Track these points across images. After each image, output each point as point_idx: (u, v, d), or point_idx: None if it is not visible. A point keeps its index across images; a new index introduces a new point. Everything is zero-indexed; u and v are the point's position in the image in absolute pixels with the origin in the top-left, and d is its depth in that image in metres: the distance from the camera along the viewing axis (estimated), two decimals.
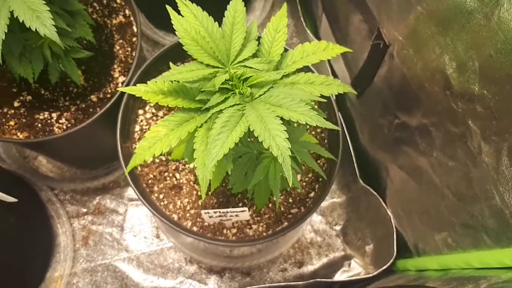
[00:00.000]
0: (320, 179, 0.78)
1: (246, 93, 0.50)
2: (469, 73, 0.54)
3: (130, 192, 1.04)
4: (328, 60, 1.00)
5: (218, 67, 0.52)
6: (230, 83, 0.50)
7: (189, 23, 0.51)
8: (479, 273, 0.54)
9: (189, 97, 0.53)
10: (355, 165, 0.91)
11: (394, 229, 0.85)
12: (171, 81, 0.52)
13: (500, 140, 0.51)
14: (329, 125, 0.47)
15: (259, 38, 0.55)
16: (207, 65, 0.51)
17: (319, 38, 1.03)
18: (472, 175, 0.58)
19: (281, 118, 0.47)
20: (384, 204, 0.88)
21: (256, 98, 0.50)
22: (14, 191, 0.83)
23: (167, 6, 0.51)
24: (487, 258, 0.56)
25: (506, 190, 0.52)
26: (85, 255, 0.99)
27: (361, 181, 0.91)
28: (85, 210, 1.02)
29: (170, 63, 0.56)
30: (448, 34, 0.56)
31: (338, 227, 1.02)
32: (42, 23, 0.57)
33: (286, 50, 0.57)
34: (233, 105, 0.50)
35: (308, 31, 1.01)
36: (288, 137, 0.45)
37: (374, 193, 0.89)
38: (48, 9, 0.57)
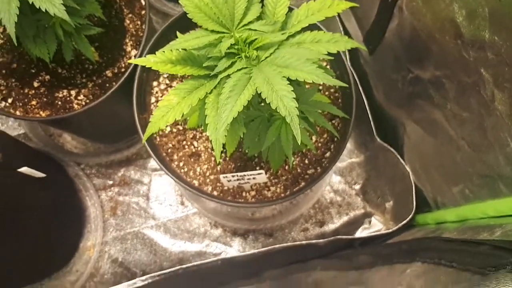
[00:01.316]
0: (336, 139, 0.79)
1: (252, 56, 0.50)
2: (479, 19, 0.52)
3: (153, 162, 1.07)
4: (340, 19, 0.98)
5: (223, 32, 0.52)
6: (236, 47, 0.51)
7: None
8: (494, 222, 0.55)
9: (197, 65, 0.54)
10: (372, 123, 0.91)
11: (413, 185, 0.85)
12: (179, 50, 0.53)
13: None
14: (336, 82, 0.48)
15: (262, 0, 0.55)
16: (212, 31, 0.52)
17: None
18: (486, 124, 0.58)
19: (288, 79, 0.48)
20: (402, 161, 0.88)
21: (262, 61, 0.51)
22: (43, 168, 0.88)
23: None
24: (502, 206, 0.56)
25: None
26: (115, 225, 1.05)
27: (378, 139, 0.91)
28: (111, 182, 1.06)
29: (177, 32, 0.57)
30: None
31: (357, 186, 1.03)
32: (51, 3, 0.58)
33: (291, 9, 0.57)
34: (240, 69, 0.51)
35: None
36: (295, 96, 0.46)
37: (392, 149, 0.89)
38: None
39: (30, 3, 0.58)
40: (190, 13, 0.51)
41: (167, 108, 0.54)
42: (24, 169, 0.75)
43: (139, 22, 0.84)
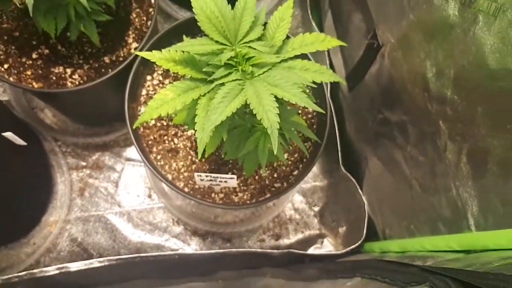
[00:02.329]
0: (304, 160, 0.85)
1: (248, 70, 0.57)
2: (445, 79, 0.61)
3: (128, 152, 1.11)
4: (328, 54, 1.07)
5: (226, 45, 0.59)
6: (235, 60, 0.57)
7: (205, 2, 0.57)
8: (428, 254, 0.62)
9: (196, 68, 0.60)
10: (339, 153, 0.98)
11: (367, 215, 0.93)
12: (182, 52, 0.59)
13: (462, 140, 0.59)
14: (316, 108, 0.55)
15: (265, 24, 0.61)
16: (216, 42, 0.58)
17: (322, 31, 1.09)
18: (436, 169, 0.66)
19: (275, 97, 0.55)
20: (360, 191, 0.96)
21: (255, 76, 0.57)
22: (21, 137, 0.90)
23: None
24: (438, 241, 0.64)
25: (461, 184, 0.60)
26: (80, 205, 1.07)
27: (342, 168, 0.98)
28: (84, 163, 1.09)
29: (184, 36, 0.63)
30: (433, 42, 0.63)
31: (316, 208, 1.10)
32: None
33: (288, 37, 0.64)
34: (234, 80, 0.57)
35: (314, 24, 1.07)
36: (278, 112, 0.53)
37: (353, 179, 0.97)
38: None
39: None
40: (200, 22, 0.57)
41: (162, 101, 0.59)
42: (8, 134, 0.78)
43: (144, 18, 0.89)
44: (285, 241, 1.06)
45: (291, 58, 0.62)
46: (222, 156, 0.74)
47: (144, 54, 0.58)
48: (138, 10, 0.90)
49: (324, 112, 0.60)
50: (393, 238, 0.85)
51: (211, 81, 0.58)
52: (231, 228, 1.06)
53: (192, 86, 0.60)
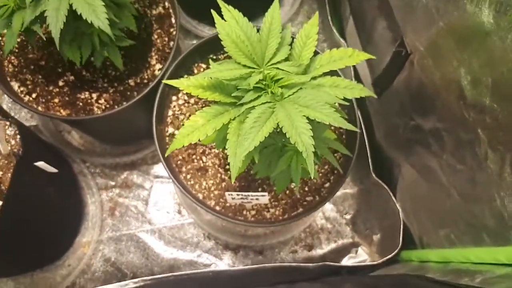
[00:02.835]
0: (335, 171, 0.84)
1: (277, 92, 0.56)
2: (482, 87, 0.59)
3: (156, 169, 1.11)
4: None
5: (253, 68, 0.58)
6: (264, 83, 0.56)
7: (230, 27, 0.56)
8: (475, 268, 0.60)
9: (225, 92, 0.59)
10: (369, 159, 0.96)
11: (402, 222, 0.91)
12: (210, 77, 0.58)
13: (505, 150, 0.57)
14: (350, 127, 0.53)
15: (291, 43, 0.60)
16: (244, 66, 0.57)
17: (344, 38, 1.07)
18: (477, 178, 0.64)
19: (308, 118, 0.53)
20: (393, 198, 0.93)
21: (285, 98, 0.56)
22: (51, 161, 0.91)
23: (212, 11, 0.57)
24: (483, 254, 0.62)
25: (507, 195, 0.57)
26: (111, 225, 1.08)
27: (373, 175, 0.96)
28: (113, 183, 1.10)
29: (210, 61, 0.62)
30: (466, 50, 0.60)
31: (348, 216, 1.08)
32: (97, 16, 0.63)
33: (316, 53, 0.62)
34: (264, 103, 0.56)
35: (334, 30, 1.05)
36: (312, 135, 0.51)
37: (385, 187, 0.94)
38: (103, 3, 0.63)
39: (79, 14, 0.63)
40: (227, 47, 0.56)
41: (192, 128, 0.58)
42: (41, 164, 0.79)
43: (166, 39, 0.89)
44: (318, 252, 1.05)
45: (319, 75, 0.60)
46: (252, 173, 0.73)
47: (173, 82, 0.57)
48: (159, 31, 0.90)
49: (357, 130, 0.58)
50: (431, 246, 0.83)
51: (241, 105, 0.57)
52: (262, 240, 1.05)
53: (222, 111, 0.59)
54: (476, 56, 0.59)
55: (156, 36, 0.89)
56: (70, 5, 0.63)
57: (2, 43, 0.85)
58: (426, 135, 0.77)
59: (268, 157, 0.67)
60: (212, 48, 0.86)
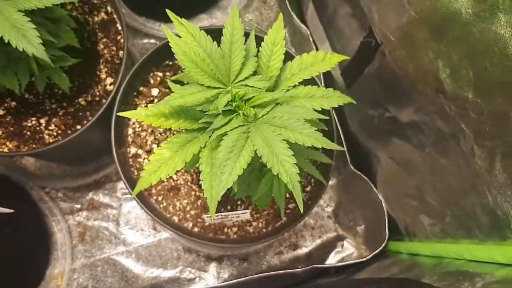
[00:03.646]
0: None
1: (250, 114, 0.50)
2: (463, 80, 0.55)
3: (123, 185, 1.04)
4: (315, 45, 0.99)
5: (219, 88, 0.51)
6: (233, 104, 0.50)
7: (187, 44, 0.49)
8: (473, 269, 0.58)
9: (190, 117, 0.53)
10: (346, 151, 0.93)
11: (386, 212, 0.89)
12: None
13: (494, 147, 0.54)
14: (335, 147, 0.48)
15: (257, 54, 0.54)
16: (208, 87, 0.51)
17: (304, 23, 1.01)
18: (464, 173, 0.61)
19: (287, 141, 0.48)
20: (374, 189, 0.91)
21: (259, 118, 0.51)
22: (3, 193, 0.82)
23: (163, 26, 0.50)
24: (479, 252, 0.60)
25: (499, 193, 0.55)
26: (83, 251, 1.00)
27: (351, 167, 0.93)
28: (79, 206, 1.02)
29: (169, 82, 0.55)
30: (442, 41, 0.56)
31: (329, 209, 1.06)
32: (29, 42, 0.54)
33: (284, 59, 0.56)
34: (237, 127, 0.50)
35: (294, 16, 0.99)
36: (295, 162, 0.46)
37: (365, 178, 0.92)
38: (34, 26, 0.55)
39: (6, 42, 0.54)
40: (186, 68, 0.50)
41: (159, 163, 0.52)
42: None
43: (114, 48, 0.80)
44: (303, 250, 1.02)
45: (292, 86, 0.55)
46: (232, 194, 0.68)
47: (129, 114, 0.50)
48: (105, 39, 0.80)
49: (342, 149, 0.53)
50: (418, 236, 0.81)
51: (210, 129, 0.51)
52: (246, 247, 1.01)
53: (189, 138, 0.53)
54: (454, 48, 0.55)
55: (102, 46, 0.80)
56: None
57: None
58: (404, 128, 0.74)
59: (247, 178, 0.61)
60: (167, 53, 0.78)
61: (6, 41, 0.54)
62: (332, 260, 0.99)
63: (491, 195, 0.56)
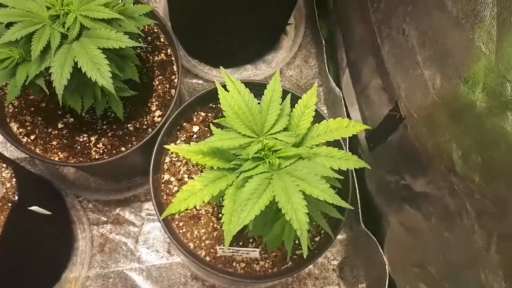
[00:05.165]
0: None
1: (275, 163, 0.57)
2: (472, 164, 0.61)
3: (148, 206, 1.11)
4: (346, 108, 1.07)
5: (253, 137, 0.59)
6: (262, 152, 0.58)
7: (232, 98, 0.58)
8: None
9: (223, 158, 0.60)
10: (360, 210, 0.98)
11: (388, 275, 0.92)
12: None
13: (492, 228, 0.58)
14: (346, 205, 0.55)
15: (290, 113, 0.62)
16: (244, 135, 0.59)
17: (339, 86, 1.10)
18: (463, 249, 0.66)
19: (303, 192, 0.55)
20: (381, 250, 0.95)
21: (282, 168, 0.58)
22: (44, 199, 0.91)
23: (216, 81, 0.59)
24: None
25: (491, 272, 0.59)
26: (100, 261, 1.07)
27: (363, 226, 0.98)
28: (105, 219, 1.10)
29: (211, 125, 0.64)
30: (458, 126, 0.63)
31: (335, 262, 1.09)
32: (101, 75, 0.64)
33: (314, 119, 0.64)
34: (262, 172, 0.57)
35: (330, 78, 1.08)
36: (307, 212, 0.53)
37: (374, 238, 0.96)
38: (108, 63, 0.65)
39: (83, 72, 0.64)
40: (228, 117, 0.58)
41: (190, 193, 0.59)
42: (35, 208, 0.79)
43: (167, 85, 0.91)
44: None
45: (316, 144, 0.62)
46: (247, 231, 0.74)
47: (174, 148, 0.59)
48: (160, 77, 0.91)
49: (351, 208, 0.60)
50: None
51: (239, 171, 0.59)
52: (250, 285, 1.05)
53: (219, 176, 0.60)
54: (468, 134, 0.61)
55: (157, 82, 0.91)
56: (75, 62, 0.65)
57: (6, 89, 0.85)
58: (415, 196, 0.79)
59: (262, 218, 0.68)
60: (213, 97, 0.88)
61: (83, 72, 0.64)
62: None
63: (484, 273, 0.60)
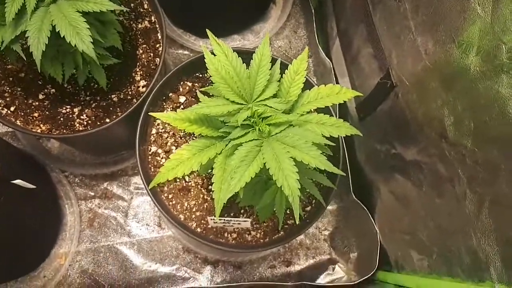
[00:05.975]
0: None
1: (265, 130, 0.56)
2: (464, 130, 0.60)
3: (137, 180, 1.10)
4: (336, 77, 1.05)
5: (241, 104, 0.57)
6: (251, 119, 0.56)
7: (220, 62, 0.56)
8: None
9: (212, 126, 0.59)
10: (350, 180, 0.98)
11: (379, 243, 0.93)
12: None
13: (484, 193, 0.58)
14: (337, 171, 0.54)
15: (280, 79, 0.60)
16: (232, 102, 0.57)
17: (329, 57, 1.08)
18: (454, 215, 0.66)
19: (294, 159, 0.54)
20: (372, 219, 0.95)
21: (272, 135, 0.56)
22: (28, 174, 0.89)
23: (202, 45, 0.56)
24: None
25: (483, 236, 0.59)
26: (90, 236, 1.06)
27: (353, 196, 0.98)
28: (92, 193, 1.08)
29: (198, 93, 0.61)
30: (451, 91, 0.62)
31: (326, 232, 1.10)
32: (81, 39, 0.61)
33: (304, 87, 0.62)
34: (251, 140, 0.56)
35: (320, 48, 1.06)
36: (298, 178, 0.52)
37: (365, 208, 0.96)
38: (87, 26, 0.62)
39: (62, 36, 0.61)
40: (215, 83, 0.56)
41: (177, 162, 0.58)
42: (18, 182, 0.77)
43: (151, 54, 0.87)
44: (296, 267, 1.06)
45: (307, 111, 0.61)
46: (237, 201, 0.73)
47: (160, 115, 0.57)
48: (144, 45, 0.88)
49: (343, 174, 0.59)
50: (406, 269, 0.85)
51: (227, 139, 0.57)
52: (242, 255, 1.05)
53: (208, 144, 0.59)
54: (460, 99, 0.60)
55: (141, 51, 0.88)
56: (53, 26, 0.61)
57: None
58: (406, 165, 0.78)
59: (252, 188, 0.67)
60: (199, 66, 0.85)
61: (62, 36, 0.61)
62: (322, 281, 1.03)
63: (475, 237, 0.61)
